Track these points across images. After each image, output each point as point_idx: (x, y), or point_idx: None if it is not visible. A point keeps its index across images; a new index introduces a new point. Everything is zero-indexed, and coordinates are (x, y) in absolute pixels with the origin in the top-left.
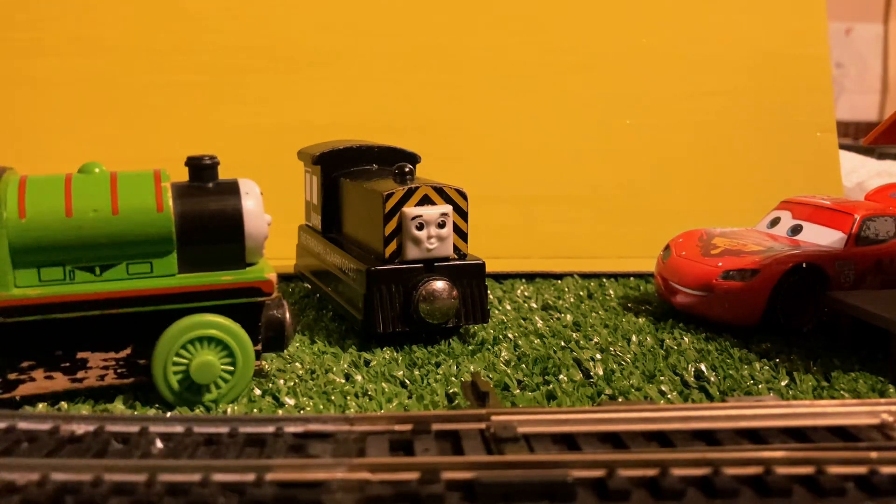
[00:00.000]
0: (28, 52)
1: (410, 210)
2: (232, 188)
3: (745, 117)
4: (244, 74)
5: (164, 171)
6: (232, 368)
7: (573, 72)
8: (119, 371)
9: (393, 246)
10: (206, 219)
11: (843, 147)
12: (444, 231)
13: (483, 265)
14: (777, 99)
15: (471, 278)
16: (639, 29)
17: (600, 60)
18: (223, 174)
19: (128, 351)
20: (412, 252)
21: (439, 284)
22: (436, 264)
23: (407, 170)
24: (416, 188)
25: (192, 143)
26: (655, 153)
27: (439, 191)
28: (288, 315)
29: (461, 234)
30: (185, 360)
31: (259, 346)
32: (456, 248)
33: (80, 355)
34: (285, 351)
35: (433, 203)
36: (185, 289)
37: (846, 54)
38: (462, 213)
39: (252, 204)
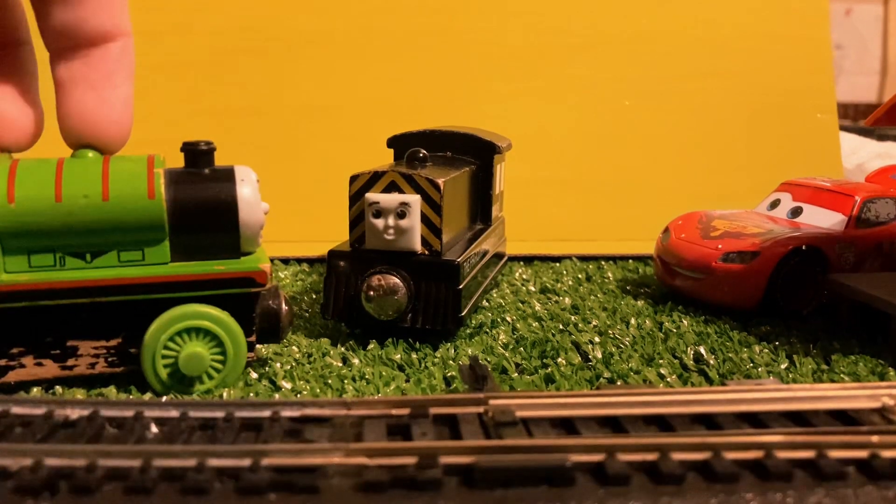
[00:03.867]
0: None
1: (370, 196)
2: (227, 175)
3: (745, 98)
4: (243, 56)
5: (160, 156)
6: (222, 358)
7: (572, 54)
8: (110, 360)
9: (357, 232)
10: (200, 206)
11: (842, 129)
12: (403, 222)
13: (457, 266)
14: (777, 80)
15: (438, 278)
16: (638, 10)
17: (600, 42)
18: (223, 159)
19: (119, 340)
20: (370, 241)
21: (384, 280)
22: (398, 258)
23: (421, 155)
24: (384, 173)
25: (191, 127)
26: (655, 135)
27: (408, 178)
28: (284, 305)
29: (433, 228)
30: (174, 352)
31: (253, 338)
32: (427, 243)
33: (70, 343)
34: None
35: (400, 191)
36: (176, 277)
37: (846, 35)
38: (434, 206)
39: (248, 191)
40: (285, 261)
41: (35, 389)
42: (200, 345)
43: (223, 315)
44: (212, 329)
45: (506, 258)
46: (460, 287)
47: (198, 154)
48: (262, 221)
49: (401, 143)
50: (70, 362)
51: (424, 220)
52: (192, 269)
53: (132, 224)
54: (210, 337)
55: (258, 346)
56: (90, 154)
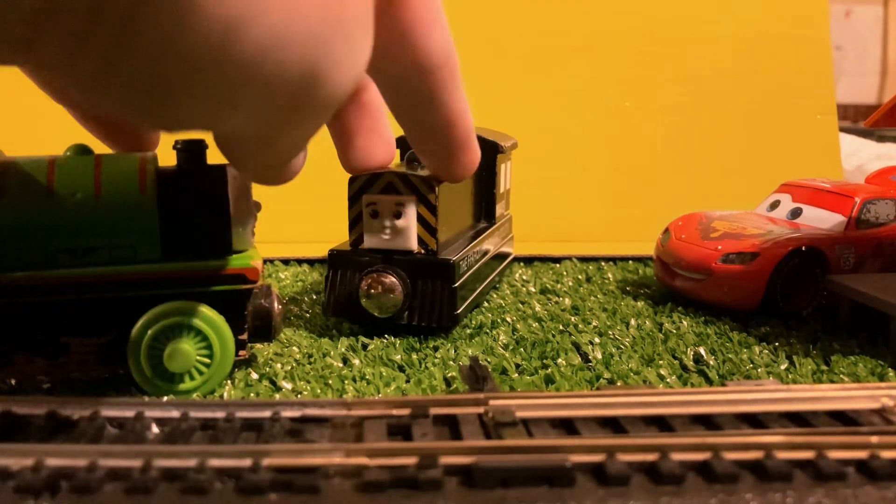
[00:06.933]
0: None
1: (368, 196)
2: (219, 173)
3: (745, 99)
4: None
5: (154, 155)
6: (208, 352)
7: (572, 54)
8: (101, 357)
9: (356, 232)
10: (191, 204)
11: (842, 130)
12: (400, 222)
13: (452, 265)
14: (777, 81)
15: (434, 277)
16: (639, 11)
17: (600, 42)
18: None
19: (110, 338)
20: (368, 240)
21: (381, 278)
22: (395, 257)
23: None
24: (381, 174)
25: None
26: (654, 135)
27: (405, 179)
28: (276, 304)
29: (428, 227)
30: (159, 349)
31: (245, 336)
32: (423, 243)
33: (61, 340)
34: (281, 335)
35: (397, 192)
36: (167, 274)
37: (846, 36)
38: (430, 206)
39: (240, 190)
40: (286, 261)
41: (36, 389)
42: (186, 341)
43: (211, 312)
44: (199, 326)
45: (512, 256)
46: (455, 285)
47: (190, 153)
48: (253, 219)
49: (407, 144)
50: (61, 360)
51: (420, 220)
52: (183, 266)
53: (123, 220)
54: (197, 334)
55: (254, 345)
56: (84, 152)
